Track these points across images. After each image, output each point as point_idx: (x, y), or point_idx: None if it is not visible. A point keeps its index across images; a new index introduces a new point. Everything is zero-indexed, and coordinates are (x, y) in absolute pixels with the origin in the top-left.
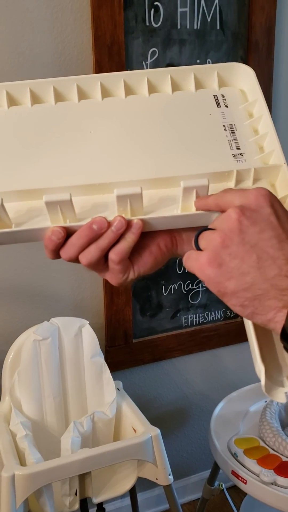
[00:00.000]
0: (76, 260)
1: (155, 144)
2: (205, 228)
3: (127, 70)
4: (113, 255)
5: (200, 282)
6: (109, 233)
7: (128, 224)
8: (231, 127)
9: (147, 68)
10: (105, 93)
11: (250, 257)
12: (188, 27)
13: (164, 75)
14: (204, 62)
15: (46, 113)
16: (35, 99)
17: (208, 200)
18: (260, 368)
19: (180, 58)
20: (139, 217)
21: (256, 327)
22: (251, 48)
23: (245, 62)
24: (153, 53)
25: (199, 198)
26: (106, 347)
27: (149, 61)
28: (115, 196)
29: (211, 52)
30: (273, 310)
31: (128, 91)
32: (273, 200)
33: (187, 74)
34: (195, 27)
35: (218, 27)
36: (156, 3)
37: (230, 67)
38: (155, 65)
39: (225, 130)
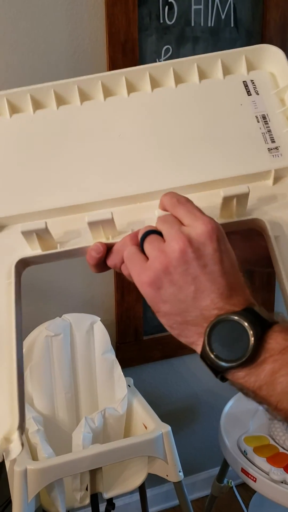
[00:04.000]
0: (120, 268)
1: (188, 143)
2: (152, 231)
3: None
4: None
5: None
6: None
7: None
8: (263, 117)
9: None
10: (131, 88)
11: (188, 288)
12: (202, 24)
13: (190, 64)
14: None
15: (73, 115)
16: (60, 100)
17: (165, 199)
18: None
19: (194, 55)
20: None
21: None
22: None
23: None
24: (167, 50)
25: (165, 195)
26: (116, 344)
27: (162, 58)
28: (156, 210)
29: (224, 50)
30: (196, 334)
31: (154, 84)
32: (220, 235)
33: (213, 60)
34: (209, 25)
35: (232, 25)
36: (170, 0)
37: (259, 50)
38: None
39: (258, 121)
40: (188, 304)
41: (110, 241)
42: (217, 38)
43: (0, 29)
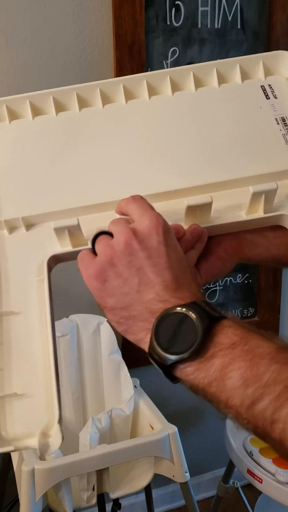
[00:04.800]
0: None
1: (210, 144)
2: (103, 232)
3: (147, 69)
4: None
5: (217, 281)
6: (185, 241)
7: None
8: (283, 119)
9: (167, 67)
10: (152, 91)
11: (132, 280)
12: (208, 26)
13: (209, 69)
14: None
15: (96, 118)
16: (82, 103)
17: (120, 204)
18: None
19: (200, 57)
20: (207, 225)
21: None
22: (271, 47)
23: None
24: (174, 52)
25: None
26: (122, 344)
27: (169, 60)
28: (185, 206)
29: (231, 51)
30: (143, 330)
31: (175, 88)
32: (165, 230)
33: (232, 66)
34: (216, 26)
35: (238, 26)
36: (177, 2)
37: (275, 56)
38: (176, 64)
39: (278, 123)
40: (133, 297)
41: None
42: (224, 40)
43: (7, 31)
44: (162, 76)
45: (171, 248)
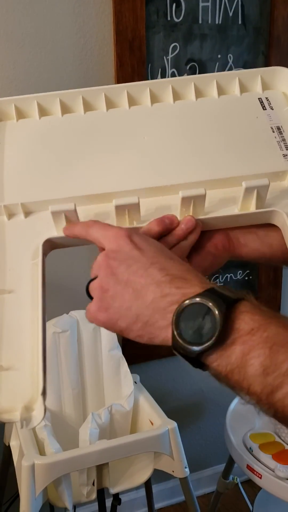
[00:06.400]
0: None
1: (208, 147)
2: (92, 279)
3: (147, 65)
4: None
5: (218, 277)
6: (178, 230)
7: None
8: (278, 128)
9: (167, 63)
10: (154, 99)
11: (127, 292)
12: (209, 21)
13: (209, 80)
14: (225, 57)
15: (99, 120)
16: (87, 106)
17: (75, 229)
18: None
19: (201, 53)
20: (201, 217)
21: None
22: (272, 43)
23: (266, 57)
24: (174, 48)
25: (68, 225)
26: (123, 340)
27: (170, 56)
28: (180, 198)
29: (232, 47)
30: (163, 329)
31: (176, 96)
32: (131, 236)
33: (231, 78)
34: (217, 22)
35: (239, 22)
36: None
37: (273, 71)
38: (176, 60)
39: (273, 132)
40: (137, 306)
41: (135, 226)
42: (225, 36)
43: (7, 27)
44: (164, 85)
45: (146, 248)
